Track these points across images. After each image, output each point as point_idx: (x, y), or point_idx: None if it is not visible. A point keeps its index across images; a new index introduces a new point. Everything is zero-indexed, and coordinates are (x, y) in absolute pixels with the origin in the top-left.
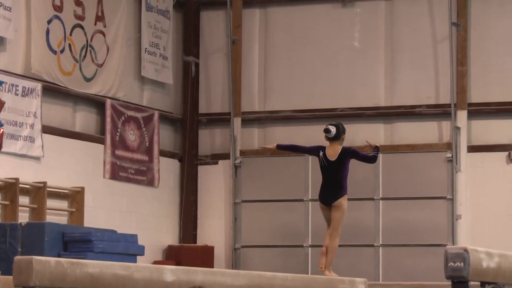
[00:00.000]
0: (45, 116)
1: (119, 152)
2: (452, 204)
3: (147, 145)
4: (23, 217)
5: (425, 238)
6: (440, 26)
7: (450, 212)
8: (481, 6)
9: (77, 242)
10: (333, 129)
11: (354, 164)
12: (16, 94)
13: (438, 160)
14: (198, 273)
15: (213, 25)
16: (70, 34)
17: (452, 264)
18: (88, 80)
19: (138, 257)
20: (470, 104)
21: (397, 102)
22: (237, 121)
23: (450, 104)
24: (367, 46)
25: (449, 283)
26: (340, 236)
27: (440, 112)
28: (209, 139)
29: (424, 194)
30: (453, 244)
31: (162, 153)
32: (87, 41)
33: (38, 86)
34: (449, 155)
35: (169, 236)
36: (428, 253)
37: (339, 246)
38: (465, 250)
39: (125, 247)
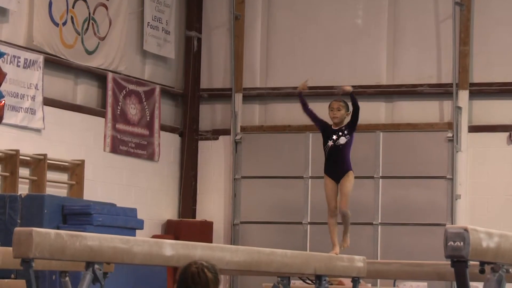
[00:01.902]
0: (46, 88)
1: (119, 126)
2: (452, 184)
3: (148, 119)
4: (23, 189)
5: (424, 217)
6: (443, 5)
7: (449, 191)
8: None
9: (76, 215)
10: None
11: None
12: (18, 66)
13: (438, 140)
14: (197, 248)
15: (216, 0)
16: (73, 7)
17: (452, 243)
18: (90, 53)
19: (137, 231)
20: (472, 84)
21: (398, 81)
22: (238, 97)
23: (452, 84)
24: (370, 24)
25: (448, 262)
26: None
27: (441, 91)
28: (210, 115)
29: (424, 174)
30: (452, 224)
31: (163, 128)
32: (89, 14)
33: (40, 58)
34: (449, 134)
35: (168, 210)
36: (427, 232)
37: (338, 224)
38: (465, 229)
39: (124, 221)
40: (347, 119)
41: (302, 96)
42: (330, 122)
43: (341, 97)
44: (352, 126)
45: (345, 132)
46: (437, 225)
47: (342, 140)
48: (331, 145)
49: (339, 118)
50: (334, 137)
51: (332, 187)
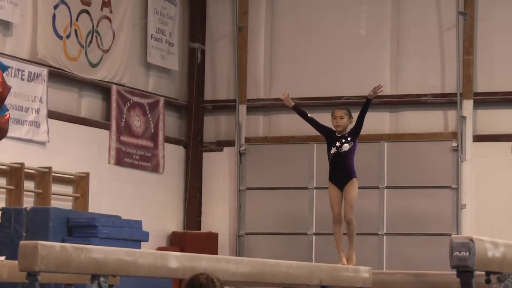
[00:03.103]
0: (51, 101)
1: (124, 138)
2: (457, 194)
3: (152, 131)
4: (28, 202)
5: (429, 227)
6: (446, 14)
7: (455, 201)
8: None
9: (81, 227)
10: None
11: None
12: (22, 79)
13: (443, 150)
14: (202, 260)
15: (220, 11)
16: (76, 20)
17: (458, 253)
18: (93, 65)
19: (142, 243)
20: (476, 94)
21: (402, 91)
22: (242, 108)
23: (456, 93)
24: (373, 34)
25: (454, 272)
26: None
27: (445, 101)
28: (214, 126)
29: (429, 183)
30: (458, 234)
31: (167, 140)
32: (93, 26)
33: (44, 71)
34: (454, 144)
35: (173, 222)
36: (432, 242)
37: (343, 234)
38: (471, 239)
39: (130, 233)
40: (350, 126)
41: (296, 107)
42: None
43: (343, 105)
44: (356, 133)
45: (349, 139)
46: (443, 235)
47: (346, 147)
48: (335, 152)
49: (342, 126)
50: (338, 144)
51: (335, 193)
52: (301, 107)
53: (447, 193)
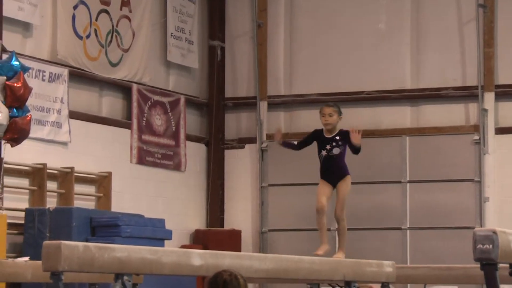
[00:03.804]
0: (72, 101)
1: (145, 137)
2: (479, 187)
3: (173, 129)
4: (51, 202)
5: (452, 221)
6: (466, 7)
7: (477, 194)
8: None
9: (104, 227)
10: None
11: (380, 148)
12: (43, 80)
13: (465, 143)
14: (225, 257)
15: (239, 9)
16: (96, 20)
17: (481, 246)
18: (114, 65)
19: (165, 241)
20: (497, 86)
21: (423, 85)
22: (263, 105)
23: (477, 86)
24: (393, 29)
25: (478, 265)
26: (368, 218)
27: (467, 94)
28: (235, 123)
29: (451, 177)
30: (481, 227)
31: (189, 138)
32: (112, 26)
33: (65, 71)
34: (476, 137)
35: (196, 220)
36: (456, 235)
37: (367, 229)
38: (494, 232)
39: (153, 232)
40: (340, 124)
41: (285, 143)
42: (321, 128)
43: (333, 103)
44: (348, 141)
45: (339, 143)
46: (466, 228)
47: (336, 150)
48: (325, 155)
49: (332, 124)
50: (328, 147)
51: (325, 187)
52: (290, 142)
53: (470, 186)
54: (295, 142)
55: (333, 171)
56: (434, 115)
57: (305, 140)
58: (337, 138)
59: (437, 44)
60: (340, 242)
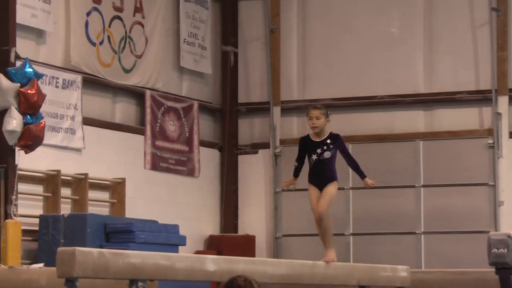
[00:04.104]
0: (85, 107)
1: (159, 143)
2: (494, 191)
3: (187, 135)
4: (65, 209)
5: (467, 225)
6: (479, 11)
7: (492, 198)
8: None
9: (119, 233)
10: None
11: (394, 153)
12: (57, 87)
13: (479, 147)
14: (239, 263)
15: (251, 14)
16: (109, 26)
17: (496, 250)
18: (127, 71)
19: (179, 247)
20: (511, 90)
21: (437, 89)
22: (276, 110)
23: (491, 90)
24: (406, 33)
25: (493, 269)
26: (383, 223)
27: (480, 98)
28: (248, 129)
29: (465, 181)
30: (496, 231)
31: (202, 143)
32: (126, 32)
33: (78, 78)
34: (490, 141)
35: (210, 226)
36: (470, 240)
37: (381, 234)
38: (509, 236)
39: (167, 238)
40: (328, 126)
41: (295, 176)
42: (306, 134)
43: (320, 105)
44: (339, 145)
45: (330, 146)
46: (480, 233)
47: (327, 154)
48: (316, 159)
49: (319, 127)
50: (318, 151)
51: (316, 194)
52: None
53: (484, 190)
54: (295, 164)
55: (322, 175)
56: (447, 119)
57: (300, 154)
58: (328, 141)
59: (450, 48)
60: (326, 242)
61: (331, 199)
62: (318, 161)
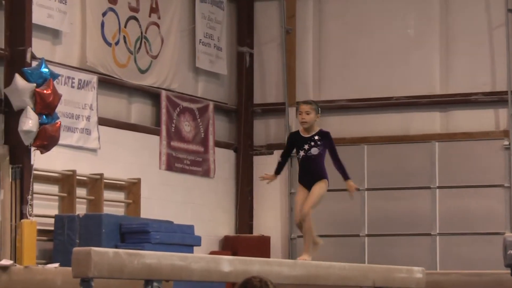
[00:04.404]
0: (101, 108)
1: (174, 143)
2: (509, 192)
3: (202, 136)
4: (81, 209)
5: (482, 227)
6: (495, 12)
7: (507, 200)
8: None
9: (134, 233)
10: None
11: (409, 154)
12: (72, 87)
13: (495, 148)
14: (255, 263)
15: (267, 15)
16: (125, 26)
17: (511, 252)
18: (143, 72)
19: (194, 247)
20: None
21: (452, 90)
22: (292, 111)
23: (507, 91)
24: (422, 34)
25: (508, 271)
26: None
27: (496, 99)
28: (264, 129)
29: (481, 182)
30: (511, 232)
31: (218, 144)
32: (141, 33)
33: (94, 78)
34: (506, 142)
35: (225, 226)
36: (486, 241)
37: (397, 235)
38: None
39: (182, 238)
40: (318, 122)
41: (277, 171)
42: (297, 130)
43: (311, 100)
44: (328, 142)
45: (318, 142)
46: (496, 234)
47: (314, 151)
48: (303, 155)
49: (309, 122)
50: (306, 146)
51: (303, 196)
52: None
53: (500, 191)
54: (279, 159)
55: (311, 173)
56: (463, 121)
57: (286, 149)
58: (316, 138)
59: (466, 49)
60: (304, 243)
61: (318, 200)
62: (306, 157)
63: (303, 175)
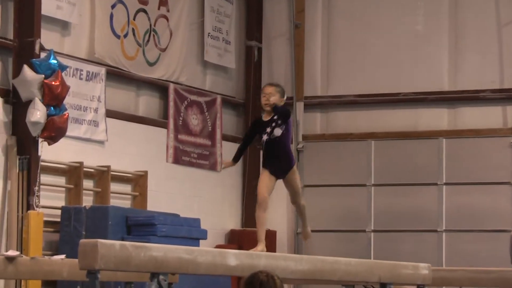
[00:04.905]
0: (109, 100)
1: (182, 137)
2: None
3: (209, 129)
4: (87, 201)
5: (489, 224)
6: (505, 9)
7: None
8: None
9: (140, 226)
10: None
11: (417, 149)
12: (80, 79)
13: (502, 145)
14: (261, 258)
15: (276, 9)
16: (134, 19)
17: None
18: (151, 64)
19: (200, 241)
20: None
21: (461, 87)
22: (299, 106)
23: None
24: (431, 30)
25: None
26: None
27: (504, 96)
28: None
29: (488, 179)
30: None
31: (225, 138)
32: (150, 25)
33: (102, 70)
34: None
35: (232, 220)
36: (492, 238)
37: (403, 231)
38: None
39: (188, 231)
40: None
41: (236, 158)
42: (261, 115)
43: (277, 83)
44: (285, 117)
45: (279, 122)
46: (503, 231)
47: (277, 131)
48: (267, 139)
49: (270, 105)
50: (268, 130)
51: (268, 179)
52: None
53: (507, 189)
54: (239, 146)
55: (278, 156)
56: (471, 118)
57: (247, 133)
58: (275, 117)
59: (475, 46)
60: (304, 222)
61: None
62: (269, 141)
63: (270, 161)
